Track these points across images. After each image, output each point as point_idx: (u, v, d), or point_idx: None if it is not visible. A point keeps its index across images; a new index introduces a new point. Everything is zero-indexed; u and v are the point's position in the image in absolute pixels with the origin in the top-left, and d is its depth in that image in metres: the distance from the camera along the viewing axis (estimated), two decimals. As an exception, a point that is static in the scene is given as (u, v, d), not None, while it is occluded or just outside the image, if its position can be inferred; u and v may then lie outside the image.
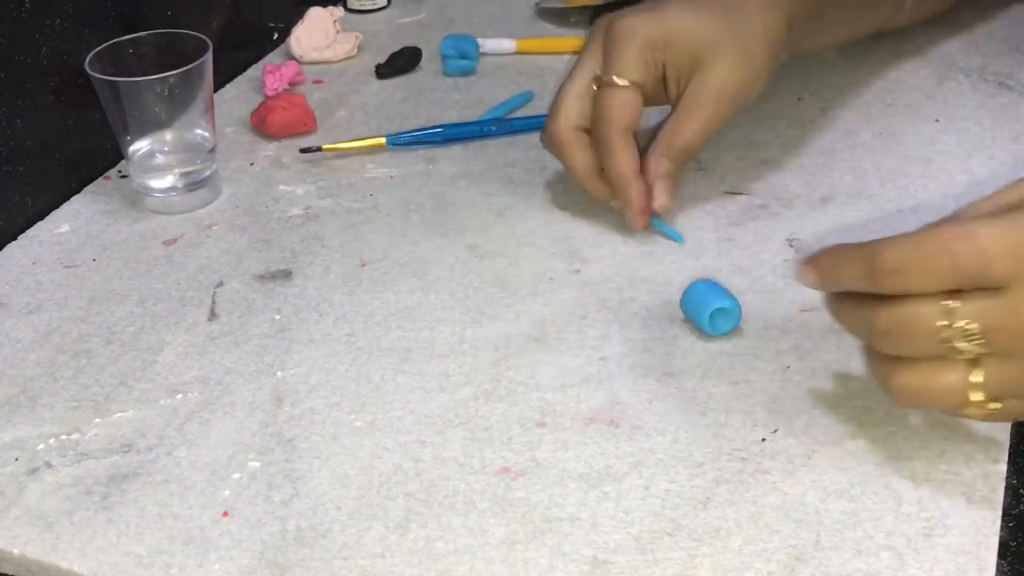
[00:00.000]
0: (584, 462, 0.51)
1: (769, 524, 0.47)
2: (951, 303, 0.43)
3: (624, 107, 0.63)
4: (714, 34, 0.63)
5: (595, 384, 0.55)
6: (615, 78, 0.63)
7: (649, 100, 0.65)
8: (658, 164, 0.64)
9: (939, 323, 0.43)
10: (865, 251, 0.46)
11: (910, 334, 0.45)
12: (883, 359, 0.47)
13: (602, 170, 0.65)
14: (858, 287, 0.46)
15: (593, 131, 0.65)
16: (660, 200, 0.64)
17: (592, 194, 0.66)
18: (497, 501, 0.49)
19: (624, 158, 0.63)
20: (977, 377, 0.44)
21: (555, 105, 0.66)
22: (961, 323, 0.43)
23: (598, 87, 0.64)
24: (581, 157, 0.65)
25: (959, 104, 0.77)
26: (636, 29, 0.63)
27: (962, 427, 0.51)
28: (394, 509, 0.49)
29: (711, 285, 0.58)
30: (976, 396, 0.45)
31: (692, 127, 0.64)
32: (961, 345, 0.44)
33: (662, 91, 0.66)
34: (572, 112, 0.65)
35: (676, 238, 0.65)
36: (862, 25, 0.78)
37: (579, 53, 0.66)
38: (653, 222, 0.65)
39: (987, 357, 0.44)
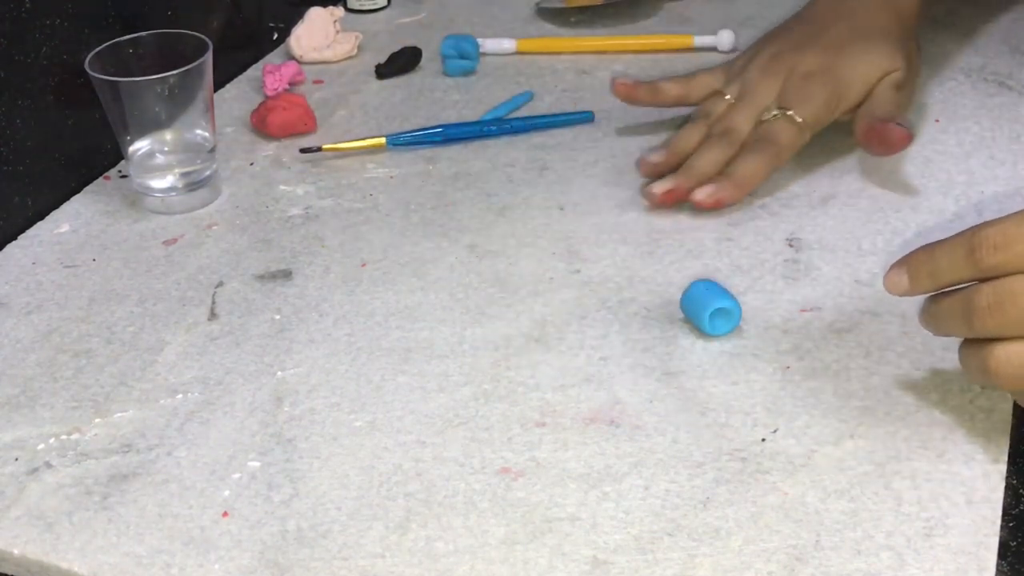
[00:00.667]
0: (584, 462, 0.51)
1: (769, 524, 0.47)
2: None
3: (793, 143, 0.69)
4: (880, 68, 0.70)
5: (595, 384, 0.55)
6: (793, 114, 0.69)
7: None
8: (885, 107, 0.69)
9: None
10: (962, 236, 0.46)
11: (1015, 305, 0.44)
12: (980, 347, 0.47)
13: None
14: (956, 276, 0.47)
15: (753, 141, 0.69)
16: (891, 128, 0.67)
17: (670, 155, 0.70)
18: (497, 501, 0.49)
19: (763, 176, 0.68)
20: None
21: (727, 120, 0.70)
22: None
23: (776, 115, 0.69)
24: (721, 158, 0.68)
25: (959, 104, 0.77)
26: (826, 88, 0.69)
27: (962, 427, 0.51)
28: (394, 509, 0.49)
29: (711, 285, 0.58)
30: None
31: (888, 105, 0.69)
32: None
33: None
34: (745, 126, 0.70)
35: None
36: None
37: (748, 80, 0.72)
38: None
39: None
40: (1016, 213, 0.45)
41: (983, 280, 0.46)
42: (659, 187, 0.67)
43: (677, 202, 0.67)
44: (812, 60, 0.70)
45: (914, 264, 0.49)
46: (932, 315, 0.49)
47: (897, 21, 0.72)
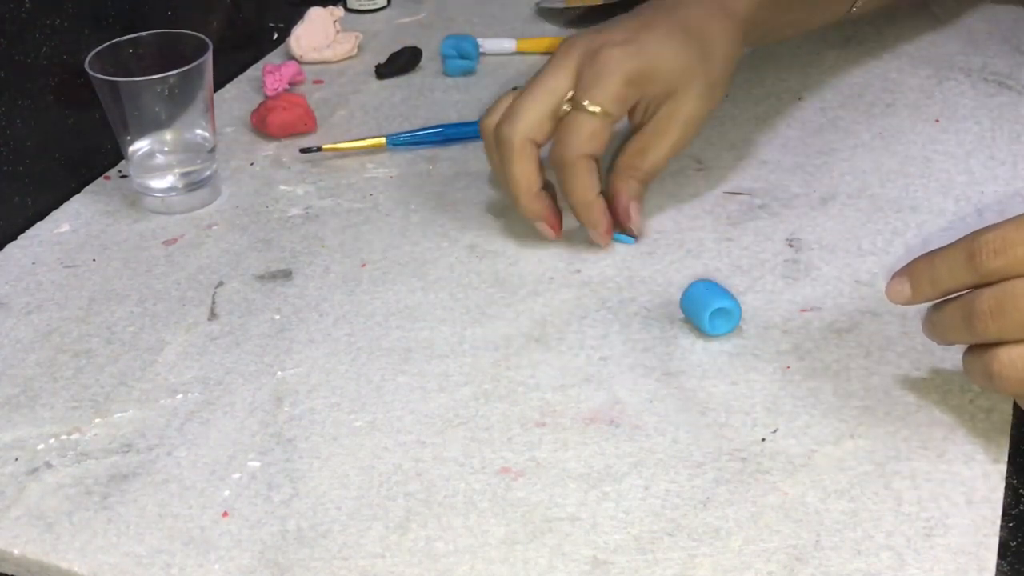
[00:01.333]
0: (584, 462, 0.51)
1: (769, 524, 0.47)
2: None
3: (595, 135, 0.62)
4: (687, 66, 0.63)
5: (595, 384, 0.55)
6: (588, 103, 0.61)
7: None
8: (627, 185, 0.64)
9: None
10: (961, 242, 0.47)
11: (1016, 308, 0.45)
12: (983, 352, 0.47)
13: (540, 188, 0.63)
14: (957, 283, 0.47)
15: (555, 152, 0.62)
16: (634, 220, 0.64)
17: (525, 210, 0.63)
18: (497, 501, 0.49)
19: (590, 182, 0.62)
20: None
21: (516, 109, 0.62)
22: None
23: (570, 108, 0.62)
24: (528, 169, 0.62)
25: (959, 104, 0.77)
26: (622, 63, 0.61)
27: (962, 427, 0.51)
28: (394, 509, 0.49)
29: (710, 285, 0.58)
30: None
31: (660, 150, 0.64)
32: None
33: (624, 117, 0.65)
34: (532, 122, 0.62)
35: (627, 241, 0.65)
36: (815, 22, 0.78)
37: (546, 67, 0.63)
38: (620, 237, 0.65)
39: None
40: (1015, 218, 0.45)
41: (984, 285, 0.46)
42: (604, 239, 0.64)
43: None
44: (615, 35, 0.63)
45: (915, 273, 0.49)
46: (935, 324, 0.50)
47: (727, 33, 0.66)
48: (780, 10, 0.71)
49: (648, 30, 0.63)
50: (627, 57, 0.62)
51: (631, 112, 0.65)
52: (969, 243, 0.46)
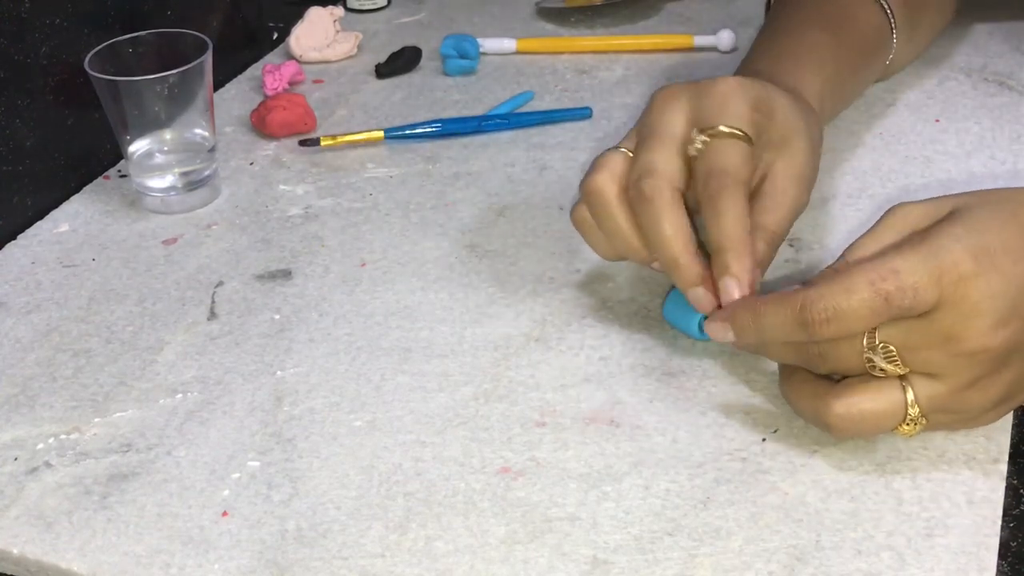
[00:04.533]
0: (584, 462, 0.50)
1: (769, 524, 0.47)
2: (875, 329, 0.46)
3: (746, 159, 0.53)
4: (799, 116, 0.58)
5: (595, 384, 0.55)
6: (724, 128, 0.53)
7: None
8: (759, 247, 0.54)
9: (865, 340, 0.46)
10: (791, 303, 0.47)
11: (838, 350, 0.47)
12: (816, 395, 0.49)
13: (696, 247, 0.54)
14: (785, 338, 0.48)
15: (703, 190, 0.53)
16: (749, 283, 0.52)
17: (685, 273, 0.53)
18: (497, 501, 0.49)
19: (743, 213, 0.52)
20: (910, 395, 0.47)
21: (645, 160, 0.54)
22: (882, 341, 0.46)
23: (708, 138, 0.54)
24: (682, 222, 0.53)
25: (959, 104, 0.77)
26: (744, 88, 0.55)
27: (962, 427, 0.51)
28: (394, 509, 0.49)
29: None
30: (914, 411, 0.47)
31: (783, 210, 0.56)
32: (881, 363, 0.46)
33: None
34: (673, 168, 0.54)
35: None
36: (861, 93, 0.77)
37: (649, 115, 0.56)
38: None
39: (914, 376, 0.47)
40: (837, 281, 0.46)
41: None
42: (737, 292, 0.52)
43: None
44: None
45: (739, 321, 0.50)
46: (757, 350, 0.52)
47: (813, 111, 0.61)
48: (836, 97, 0.69)
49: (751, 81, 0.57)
50: (746, 84, 0.56)
51: None
52: (799, 310, 0.46)
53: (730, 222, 0.52)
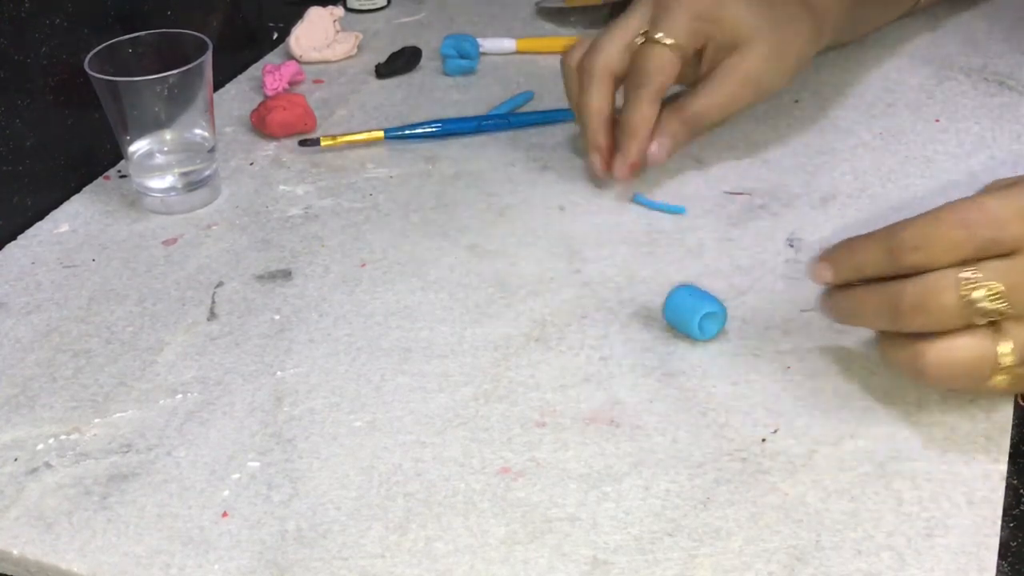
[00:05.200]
0: (584, 462, 0.50)
1: (769, 524, 0.47)
2: (970, 272, 0.46)
3: (664, 67, 0.66)
4: (757, 22, 0.67)
5: (595, 384, 0.55)
6: (661, 36, 0.65)
7: (682, 72, 0.67)
8: (667, 121, 0.67)
9: (963, 290, 0.46)
10: (883, 234, 0.49)
11: (938, 303, 0.47)
12: (907, 343, 0.49)
13: (609, 121, 0.68)
14: (877, 271, 0.49)
15: (627, 82, 0.67)
16: (653, 148, 0.67)
17: (592, 137, 0.68)
18: (497, 501, 0.49)
19: (649, 112, 0.66)
20: (1006, 342, 0.47)
21: (597, 43, 0.68)
22: (985, 287, 0.46)
23: (643, 42, 0.66)
24: (604, 97, 0.67)
25: (959, 104, 0.77)
26: (693, 0, 0.66)
27: (962, 427, 0.51)
28: (394, 509, 0.49)
29: (692, 290, 0.57)
30: (1007, 360, 0.47)
31: (712, 98, 0.67)
32: (986, 306, 0.46)
33: (692, 69, 0.69)
34: (611, 54, 0.67)
35: (677, 210, 0.67)
36: (888, 17, 0.81)
37: (626, 11, 0.69)
38: (644, 201, 0.68)
39: (1009, 322, 0.47)
40: (929, 213, 0.48)
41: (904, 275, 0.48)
42: (623, 169, 0.68)
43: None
44: None
45: (837, 259, 0.51)
46: (843, 308, 0.52)
47: (804, 16, 0.70)
48: (856, 7, 0.74)
49: None
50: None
51: (699, 62, 0.68)
52: (889, 237, 0.49)
53: (634, 113, 0.66)
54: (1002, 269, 0.46)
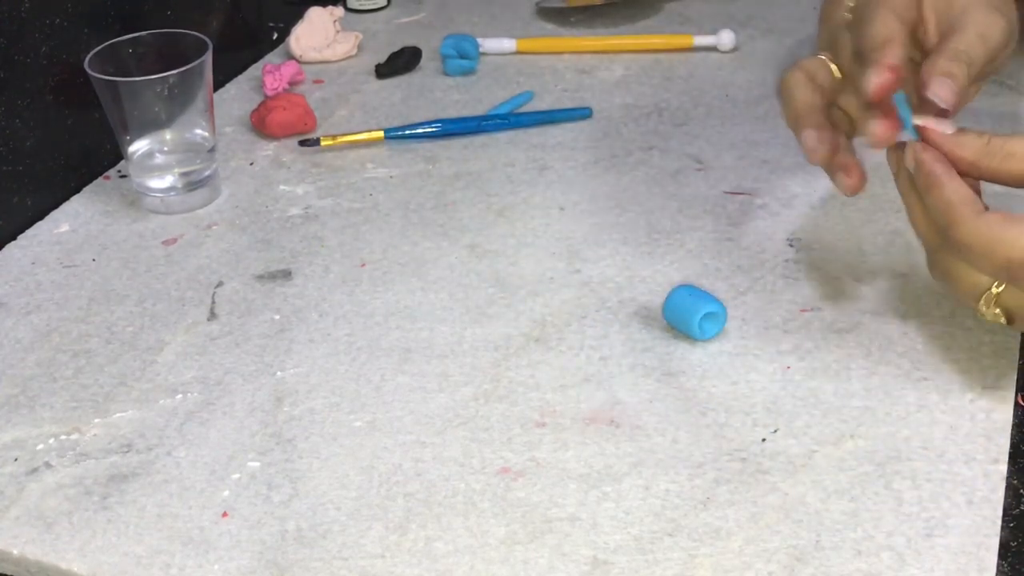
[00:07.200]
0: (584, 462, 0.50)
1: (769, 524, 0.47)
2: (998, 289, 0.49)
3: (891, 25, 0.56)
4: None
5: (595, 384, 0.55)
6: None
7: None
8: (941, 63, 0.54)
9: (982, 302, 0.50)
10: (946, 210, 0.50)
11: (957, 287, 0.51)
12: (936, 249, 0.52)
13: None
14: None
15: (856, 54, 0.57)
16: (942, 88, 0.53)
17: (882, 56, 0.55)
18: (497, 501, 0.49)
19: (889, 25, 0.56)
20: (997, 289, 0.50)
21: (861, 23, 0.58)
22: (1000, 305, 0.50)
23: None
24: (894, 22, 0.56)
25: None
26: None
27: (962, 427, 0.51)
28: (394, 509, 0.49)
29: (692, 290, 0.57)
30: (988, 306, 0.50)
31: (970, 31, 0.56)
32: (989, 311, 0.50)
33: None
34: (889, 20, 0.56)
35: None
36: None
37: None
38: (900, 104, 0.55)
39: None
40: (992, 222, 0.49)
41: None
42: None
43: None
44: None
45: (923, 163, 0.52)
46: (906, 205, 0.54)
47: None
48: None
49: None
50: None
51: (923, 37, 0.58)
52: (950, 212, 0.50)
53: (876, 28, 0.55)
54: (1018, 299, 0.49)
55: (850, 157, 0.57)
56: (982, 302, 0.50)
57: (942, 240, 0.51)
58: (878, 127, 0.53)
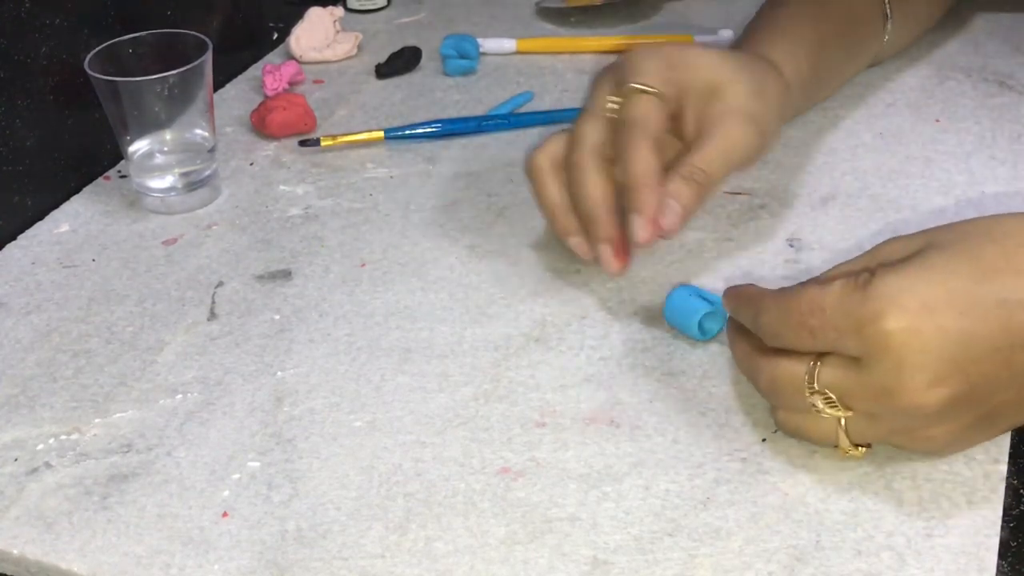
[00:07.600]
0: (584, 462, 0.50)
1: (769, 524, 0.47)
2: (818, 365, 0.46)
3: (650, 111, 0.57)
4: (730, 64, 0.60)
5: (595, 384, 0.55)
6: (637, 84, 0.58)
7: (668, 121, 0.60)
8: (674, 185, 0.57)
9: (806, 383, 0.46)
10: (753, 307, 0.49)
11: (784, 391, 0.48)
12: (775, 409, 0.51)
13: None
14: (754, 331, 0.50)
15: (616, 142, 0.58)
16: (664, 217, 0.56)
17: (602, 230, 0.58)
18: (497, 501, 0.49)
19: (650, 158, 0.56)
20: (842, 429, 0.47)
21: (575, 131, 0.60)
22: (821, 388, 0.46)
23: (621, 97, 0.59)
24: (604, 183, 0.58)
25: (959, 104, 0.77)
26: (659, 51, 0.60)
27: (962, 427, 0.51)
28: (394, 509, 0.49)
29: (692, 290, 0.57)
30: (844, 443, 0.48)
31: (711, 148, 0.58)
32: (822, 406, 0.46)
33: (675, 127, 0.61)
34: (595, 133, 0.59)
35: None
36: (851, 72, 0.78)
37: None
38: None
39: (855, 417, 0.47)
40: (782, 299, 0.47)
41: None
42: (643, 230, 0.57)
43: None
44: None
45: (729, 299, 0.52)
46: (731, 346, 0.53)
47: (774, 75, 0.64)
48: (819, 67, 0.70)
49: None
50: (657, 47, 0.60)
51: (682, 121, 0.60)
52: (755, 315, 0.49)
53: (634, 164, 0.56)
54: (839, 377, 0.45)
55: (617, 231, 0.58)
56: (809, 397, 0.46)
57: (770, 382, 0.49)
58: (641, 232, 0.56)
